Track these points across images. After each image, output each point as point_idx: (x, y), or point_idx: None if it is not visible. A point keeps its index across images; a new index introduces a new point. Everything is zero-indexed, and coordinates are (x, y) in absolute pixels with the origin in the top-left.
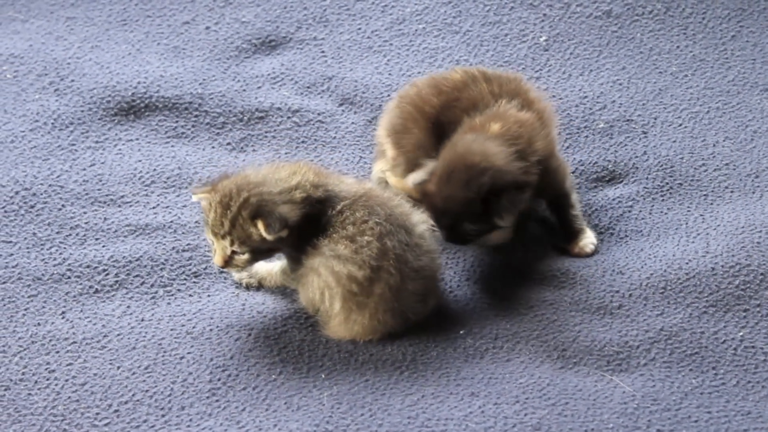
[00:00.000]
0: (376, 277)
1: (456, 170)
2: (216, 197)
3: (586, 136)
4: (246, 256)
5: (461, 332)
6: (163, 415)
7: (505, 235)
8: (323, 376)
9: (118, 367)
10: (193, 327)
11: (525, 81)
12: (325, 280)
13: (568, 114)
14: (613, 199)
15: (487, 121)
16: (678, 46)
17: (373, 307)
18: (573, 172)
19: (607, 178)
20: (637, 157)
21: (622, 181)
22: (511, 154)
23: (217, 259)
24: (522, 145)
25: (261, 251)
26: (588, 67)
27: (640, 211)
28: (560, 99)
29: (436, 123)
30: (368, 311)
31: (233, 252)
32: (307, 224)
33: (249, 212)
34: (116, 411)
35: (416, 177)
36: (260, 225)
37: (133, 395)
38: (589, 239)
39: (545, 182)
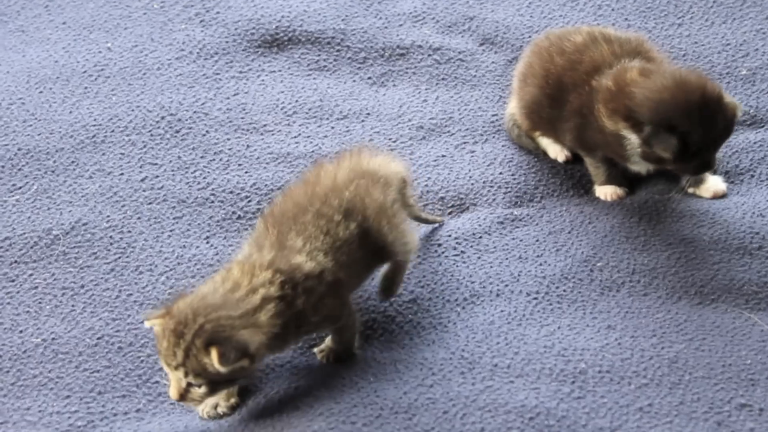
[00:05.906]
0: None
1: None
2: (170, 324)
3: (728, 83)
4: (203, 389)
5: (597, 264)
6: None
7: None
8: (459, 310)
9: None
10: None
11: (647, 42)
12: None
13: (710, 60)
14: (755, 143)
15: (620, 74)
16: None
17: None
18: None
19: (748, 122)
20: None
21: (763, 126)
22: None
23: (172, 392)
24: None
25: (219, 382)
26: (731, 15)
27: None
28: (702, 46)
29: (556, 82)
30: None
31: (189, 384)
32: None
33: (203, 340)
34: None
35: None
36: (213, 354)
37: None
38: (718, 182)
39: None
